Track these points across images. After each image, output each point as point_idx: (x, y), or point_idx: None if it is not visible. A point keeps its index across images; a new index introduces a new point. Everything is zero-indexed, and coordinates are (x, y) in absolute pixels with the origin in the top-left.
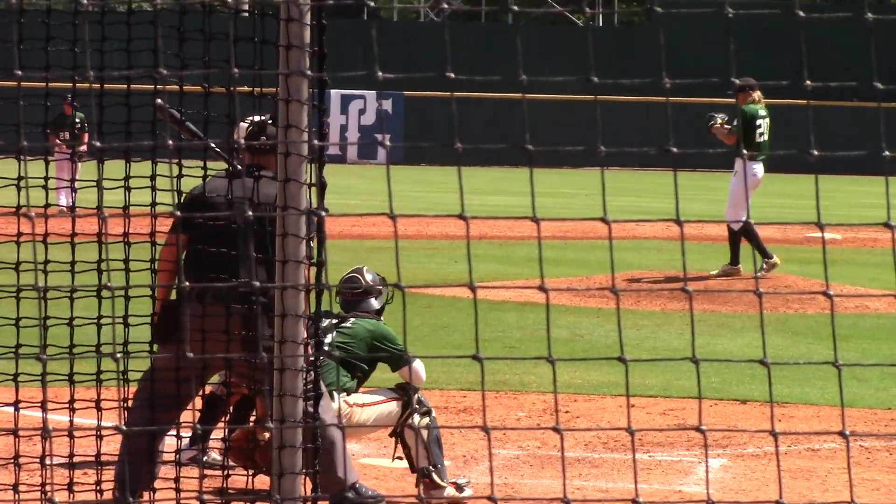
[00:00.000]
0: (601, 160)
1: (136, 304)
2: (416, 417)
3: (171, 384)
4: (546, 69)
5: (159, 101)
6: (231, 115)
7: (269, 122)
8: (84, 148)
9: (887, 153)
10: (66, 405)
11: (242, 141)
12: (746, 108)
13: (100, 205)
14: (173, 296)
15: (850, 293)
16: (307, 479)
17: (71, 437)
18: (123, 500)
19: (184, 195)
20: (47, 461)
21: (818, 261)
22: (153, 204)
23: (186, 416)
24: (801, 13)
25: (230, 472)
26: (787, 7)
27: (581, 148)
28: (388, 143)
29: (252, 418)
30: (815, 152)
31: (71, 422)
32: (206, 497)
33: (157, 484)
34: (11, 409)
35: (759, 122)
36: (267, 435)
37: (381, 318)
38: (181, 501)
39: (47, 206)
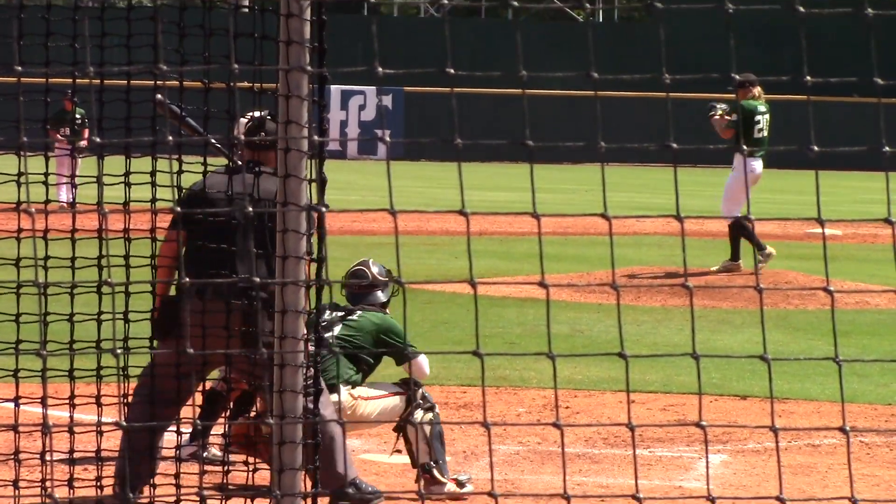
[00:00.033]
0: (601, 156)
1: (137, 300)
2: (420, 413)
3: (170, 380)
4: (546, 65)
5: (159, 96)
6: (231, 110)
7: (268, 118)
8: (84, 143)
9: (888, 149)
10: (67, 401)
11: (242, 137)
12: (745, 103)
13: (100, 201)
14: (172, 292)
15: (851, 289)
16: (307, 475)
17: (71, 433)
18: (124, 495)
19: (183, 191)
20: (47, 457)
21: (818, 257)
22: (153, 200)
23: (186, 411)
24: (802, 9)
25: (230, 467)
26: (788, 2)
27: (581, 144)
28: (388, 138)
29: (251, 412)
30: (816, 148)
31: (71, 418)
32: (206, 493)
33: (157, 480)
34: (12, 405)
35: (758, 117)
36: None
37: (387, 310)
38: (181, 497)
39: (47, 202)
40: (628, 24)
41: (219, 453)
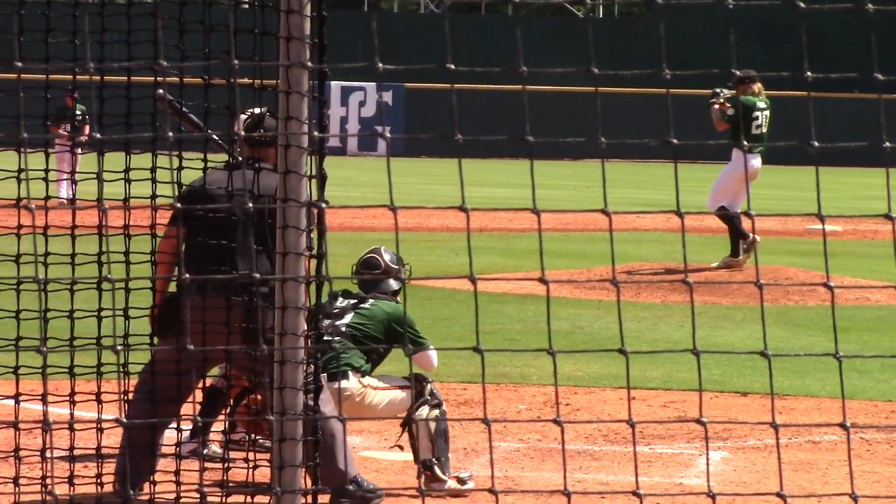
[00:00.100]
0: (601, 152)
1: (137, 296)
2: (426, 409)
3: (171, 377)
4: (546, 61)
5: (161, 91)
6: (231, 106)
7: (268, 114)
8: (85, 138)
9: (888, 144)
10: (67, 398)
11: (242, 133)
12: (744, 99)
13: (100, 197)
14: (172, 288)
15: (851, 285)
16: (307, 472)
17: (71, 429)
18: (124, 492)
19: (183, 187)
20: (48, 454)
21: (819, 252)
22: (153, 196)
23: (186, 408)
24: (802, 4)
25: (230, 464)
26: None
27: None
28: (388, 134)
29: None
30: (816, 143)
31: (71, 414)
32: (206, 490)
33: (157, 477)
34: (12, 401)
35: (756, 113)
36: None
37: (399, 298)
38: (181, 494)
39: (47, 198)
40: (628, 20)
41: (219, 450)
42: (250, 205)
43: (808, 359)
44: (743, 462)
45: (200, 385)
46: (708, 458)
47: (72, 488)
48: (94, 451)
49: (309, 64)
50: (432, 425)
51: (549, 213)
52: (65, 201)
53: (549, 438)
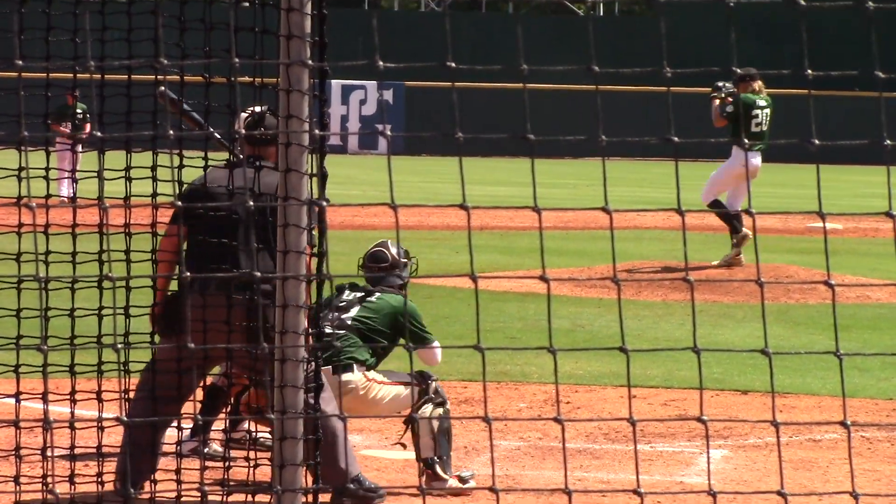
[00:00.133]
0: (602, 150)
1: (137, 294)
2: (430, 407)
3: (174, 376)
4: (547, 59)
5: (163, 88)
6: (232, 105)
7: (269, 112)
8: (85, 135)
9: (888, 142)
10: (68, 396)
11: (243, 131)
12: (744, 96)
13: (101, 195)
14: (174, 286)
15: (852, 283)
16: (307, 470)
17: (72, 428)
18: (125, 491)
19: (184, 186)
20: (48, 452)
21: (819, 250)
22: (154, 194)
23: (187, 407)
24: (803, 2)
25: (231, 463)
26: None
27: (582, 138)
28: (388, 133)
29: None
30: (817, 141)
31: (72, 413)
32: (206, 489)
33: (158, 475)
34: (13, 400)
35: (755, 111)
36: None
37: (405, 291)
38: (182, 493)
39: (48, 196)
40: (629, 18)
41: (220, 449)
42: (251, 203)
43: (808, 357)
44: (744, 460)
45: (201, 384)
46: (709, 457)
47: (72, 487)
48: (94, 450)
49: (309, 62)
50: (435, 424)
51: (549, 212)
52: (65, 200)
53: (549, 437)
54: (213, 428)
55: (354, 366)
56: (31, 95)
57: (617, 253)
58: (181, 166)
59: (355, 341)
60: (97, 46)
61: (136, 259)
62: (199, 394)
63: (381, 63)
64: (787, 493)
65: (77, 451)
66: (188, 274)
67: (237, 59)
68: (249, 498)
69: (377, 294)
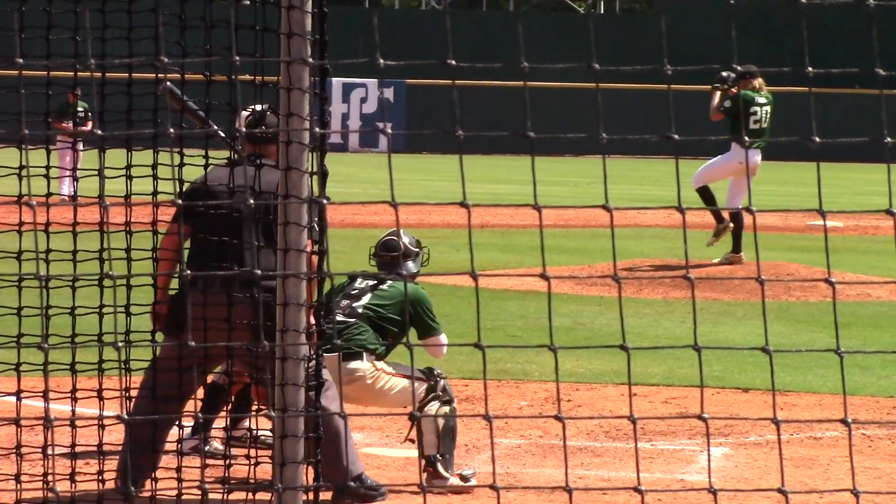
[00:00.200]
0: (602, 148)
1: (138, 293)
2: (436, 404)
3: (176, 374)
4: (547, 56)
5: (168, 83)
6: (233, 103)
7: (269, 110)
8: (87, 130)
9: (889, 140)
10: (68, 395)
11: (244, 129)
12: (743, 93)
13: (101, 194)
14: (175, 285)
15: (852, 281)
16: (308, 468)
17: (73, 426)
18: (125, 489)
19: (186, 184)
20: (49, 451)
21: (820, 248)
22: (154, 193)
23: (188, 405)
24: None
25: (232, 461)
26: None
27: (583, 135)
28: (389, 131)
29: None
30: (817, 139)
31: (73, 411)
32: (207, 487)
33: (158, 473)
34: (13, 398)
35: (754, 108)
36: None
37: (417, 280)
38: (182, 491)
39: (49, 195)
40: (630, 16)
41: (220, 447)
42: (252, 201)
43: (809, 355)
44: (744, 458)
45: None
46: (709, 455)
47: (73, 485)
48: (95, 448)
49: (310, 60)
50: (440, 422)
51: (550, 210)
52: (66, 198)
53: (550, 435)
54: (213, 426)
55: (364, 354)
56: (31, 94)
57: (617, 251)
58: (182, 164)
59: (366, 329)
60: (98, 44)
61: (136, 258)
62: (200, 392)
63: (381, 61)
64: (788, 491)
65: (78, 449)
66: (189, 272)
67: (238, 58)
68: (250, 496)
69: (389, 282)
